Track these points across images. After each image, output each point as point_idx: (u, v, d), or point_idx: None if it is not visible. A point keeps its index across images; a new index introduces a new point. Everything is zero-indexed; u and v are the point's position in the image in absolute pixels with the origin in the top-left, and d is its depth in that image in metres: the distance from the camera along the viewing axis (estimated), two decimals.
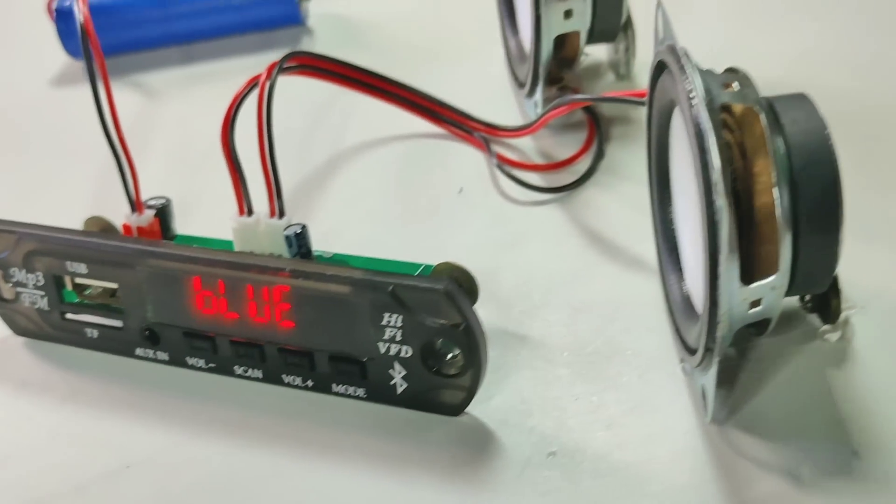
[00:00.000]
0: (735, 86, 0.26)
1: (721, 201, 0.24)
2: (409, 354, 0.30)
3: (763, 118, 0.25)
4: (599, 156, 0.39)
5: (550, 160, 0.40)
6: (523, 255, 0.36)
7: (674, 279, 0.31)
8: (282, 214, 0.35)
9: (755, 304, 0.26)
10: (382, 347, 0.30)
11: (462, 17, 0.50)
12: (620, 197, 0.37)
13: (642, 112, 0.39)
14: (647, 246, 0.35)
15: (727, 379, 0.29)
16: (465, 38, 0.48)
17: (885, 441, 0.27)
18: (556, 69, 0.41)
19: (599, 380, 0.31)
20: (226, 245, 0.36)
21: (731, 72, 0.28)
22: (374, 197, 0.40)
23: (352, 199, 0.40)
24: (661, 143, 0.31)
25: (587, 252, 0.35)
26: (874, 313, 0.31)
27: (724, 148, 0.24)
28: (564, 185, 0.38)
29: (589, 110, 0.41)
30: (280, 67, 0.37)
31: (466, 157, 0.41)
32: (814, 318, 0.30)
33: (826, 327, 0.30)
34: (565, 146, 0.40)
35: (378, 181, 0.41)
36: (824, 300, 0.29)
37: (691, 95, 0.25)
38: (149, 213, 0.36)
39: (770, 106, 0.27)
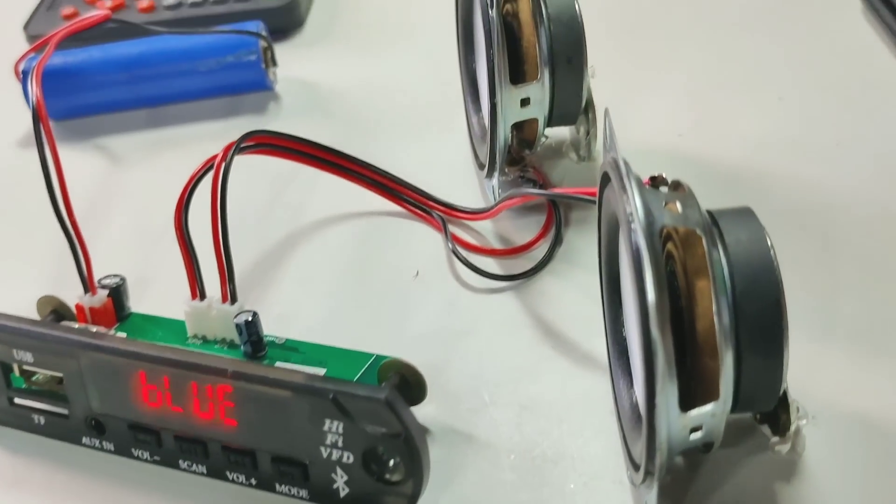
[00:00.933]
0: (677, 206, 0.26)
1: (655, 332, 0.23)
2: (351, 461, 0.29)
3: (704, 242, 0.25)
4: (557, 242, 0.39)
5: (508, 244, 0.39)
6: (475, 346, 0.35)
7: (622, 384, 0.31)
8: (234, 300, 0.35)
9: (696, 429, 0.25)
10: (324, 452, 0.30)
11: (428, 89, 0.50)
12: (576, 286, 0.37)
13: None
14: (599, 342, 0.34)
15: (675, 492, 0.29)
16: (430, 111, 0.48)
17: None
18: (516, 150, 0.40)
19: (545, 486, 0.30)
20: (179, 327, 0.36)
21: (676, 188, 0.27)
22: (330, 277, 0.40)
23: (308, 280, 0.40)
24: (611, 247, 0.31)
25: (539, 346, 0.35)
26: (825, 423, 0.30)
27: (662, 279, 0.24)
28: (520, 273, 0.38)
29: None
30: (237, 148, 0.37)
31: (424, 238, 0.41)
32: (766, 429, 0.30)
33: (776, 439, 0.29)
34: (524, 229, 0.40)
35: (334, 261, 0.40)
36: (774, 413, 0.29)
37: (630, 219, 0.25)
38: (101, 294, 0.36)
39: (714, 222, 0.27)
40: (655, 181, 0.29)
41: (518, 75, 0.37)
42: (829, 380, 0.32)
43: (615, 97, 0.38)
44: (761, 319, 0.26)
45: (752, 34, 0.50)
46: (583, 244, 0.39)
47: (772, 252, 0.26)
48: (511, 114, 0.37)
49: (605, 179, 0.29)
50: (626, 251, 0.25)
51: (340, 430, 0.29)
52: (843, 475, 0.29)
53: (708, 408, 0.25)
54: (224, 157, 0.37)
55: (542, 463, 0.31)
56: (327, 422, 0.29)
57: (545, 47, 0.37)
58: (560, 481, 0.30)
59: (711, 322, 0.25)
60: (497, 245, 0.40)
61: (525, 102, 0.37)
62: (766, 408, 0.28)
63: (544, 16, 0.37)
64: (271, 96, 0.51)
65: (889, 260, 0.36)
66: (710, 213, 0.27)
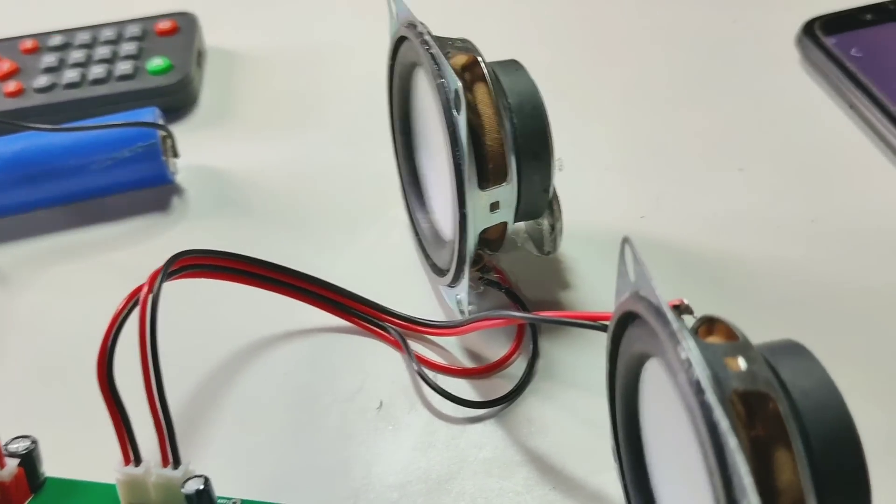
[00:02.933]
0: (741, 363, 0.22)
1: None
2: None
3: (781, 407, 0.22)
4: (535, 355, 0.35)
5: (478, 360, 0.35)
6: (463, 495, 0.31)
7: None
8: (177, 462, 0.30)
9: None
10: None
11: (356, 179, 0.44)
12: (566, 409, 0.33)
13: (573, 296, 0.35)
14: (607, 476, 0.30)
15: None
16: (363, 204, 0.43)
17: None
18: (475, 250, 0.36)
19: None
20: (108, 493, 0.30)
21: (721, 331, 0.24)
22: (279, 417, 0.34)
23: (252, 421, 0.34)
24: (629, 389, 0.27)
25: (539, 486, 0.31)
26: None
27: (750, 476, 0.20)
28: (500, 396, 0.33)
29: (512, 296, 0.36)
30: (164, 275, 0.32)
31: (381, 358, 0.36)
32: None
33: None
34: (492, 340, 0.35)
35: (282, 394, 0.35)
36: None
37: (699, 390, 0.21)
38: (11, 465, 0.30)
39: (773, 369, 0.23)
40: (679, 310, 0.26)
41: (484, 177, 0.32)
42: None
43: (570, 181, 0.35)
44: (847, 490, 0.22)
45: (693, 103, 0.47)
46: (563, 355, 0.35)
47: (844, 403, 0.23)
48: (480, 220, 0.33)
49: (629, 318, 0.25)
50: (699, 431, 0.21)
51: None
52: None
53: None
54: (150, 289, 0.31)
55: None
56: None
57: (511, 144, 0.33)
58: None
59: (797, 497, 0.21)
60: (465, 362, 0.35)
61: (494, 207, 0.33)
62: None
63: (507, 107, 0.33)
64: (173, 190, 0.45)
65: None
66: (763, 356, 0.24)
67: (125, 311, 0.30)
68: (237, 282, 0.35)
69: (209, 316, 0.38)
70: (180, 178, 0.45)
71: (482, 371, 0.35)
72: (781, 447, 0.22)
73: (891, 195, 0.40)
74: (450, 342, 0.36)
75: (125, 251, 0.42)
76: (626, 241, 0.25)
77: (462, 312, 0.34)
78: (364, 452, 0.33)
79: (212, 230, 0.42)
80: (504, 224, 0.34)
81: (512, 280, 0.37)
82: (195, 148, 0.46)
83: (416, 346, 0.36)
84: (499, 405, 0.33)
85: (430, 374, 0.34)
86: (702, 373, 0.21)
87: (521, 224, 0.39)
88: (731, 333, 0.24)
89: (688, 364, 0.21)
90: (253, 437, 0.33)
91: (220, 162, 0.46)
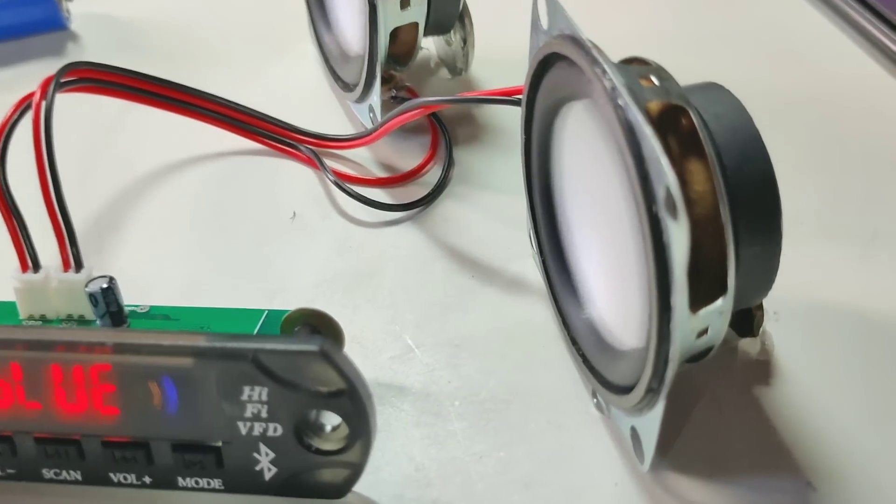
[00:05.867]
0: (654, 80, 0.22)
1: (681, 222, 0.19)
2: (280, 433, 0.24)
3: (693, 115, 0.22)
4: (450, 163, 0.34)
5: (394, 172, 0.35)
6: (383, 287, 0.31)
7: (571, 306, 0.27)
8: (79, 266, 0.28)
9: (702, 332, 0.22)
10: (243, 428, 0.24)
11: (259, 8, 0.43)
12: (482, 208, 0.33)
13: (488, 111, 0.34)
14: (524, 264, 0.30)
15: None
16: (267, 34, 0.42)
17: (836, 466, 0.24)
18: (385, 68, 0.36)
19: (502, 431, 0.26)
20: (7, 310, 0.29)
21: (641, 63, 0.24)
22: (188, 231, 0.33)
23: (160, 237, 0.33)
24: (543, 149, 0.27)
25: (457, 277, 0.31)
26: (785, 319, 0.28)
27: (665, 154, 0.20)
28: (417, 199, 0.33)
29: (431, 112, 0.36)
30: (56, 83, 0.30)
31: (294, 176, 0.35)
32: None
33: (745, 340, 0.27)
34: (407, 154, 0.35)
35: (190, 212, 0.34)
36: (745, 311, 0.26)
37: (615, 95, 0.21)
38: None
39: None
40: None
41: None
42: (783, 271, 0.29)
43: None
44: (757, 199, 0.23)
45: None
46: (478, 163, 0.35)
47: (754, 124, 0.23)
48: (391, 17, 0.32)
49: (545, 66, 0.25)
50: (613, 134, 0.21)
51: (264, 397, 0.23)
52: (818, 367, 0.27)
53: (716, 305, 0.22)
54: (43, 95, 0.30)
55: (493, 405, 0.27)
56: (246, 390, 0.24)
57: None
58: (518, 422, 0.26)
59: (711, 206, 0.22)
60: (381, 174, 0.35)
61: (405, 4, 0.32)
62: (757, 301, 0.25)
63: None
64: (68, 36, 0.43)
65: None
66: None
67: (15, 116, 0.29)
68: (137, 101, 0.34)
69: (110, 136, 0.36)
70: (75, 26, 0.43)
71: (397, 180, 0.34)
72: (696, 158, 0.22)
73: None
74: (365, 158, 0.35)
75: (16, 95, 0.40)
76: None
77: (373, 122, 0.34)
78: (278, 258, 0.32)
79: None
80: (414, 34, 0.33)
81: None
82: None
83: (331, 164, 0.35)
84: (415, 208, 0.33)
85: (346, 185, 0.34)
86: (617, 81, 0.21)
87: (434, 49, 0.39)
88: (653, 65, 0.24)
89: (602, 72, 0.21)
90: (162, 249, 0.32)
91: (118, 8, 0.44)
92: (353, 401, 0.23)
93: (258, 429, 0.24)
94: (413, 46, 0.34)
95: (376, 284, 0.31)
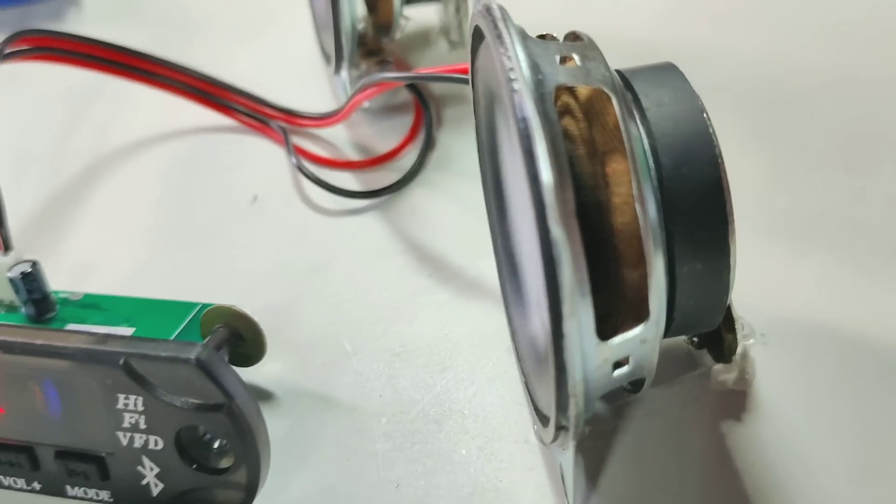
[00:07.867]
0: (576, 59, 0.18)
1: (557, 230, 0.16)
2: (161, 446, 0.22)
3: (616, 102, 0.18)
4: (428, 146, 0.31)
5: (368, 154, 0.32)
6: (332, 282, 0.28)
7: (519, 314, 0.24)
8: (7, 247, 0.27)
9: (620, 363, 0.18)
10: (123, 438, 0.22)
11: None
12: (455, 198, 0.30)
13: None
14: (487, 263, 0.27)
15: (598, 447, 0.22)
16: (265, 3, 0.39)
17: None
18: (373, 39, 0.33)
19: (428, 457, 0.23)
20: None
21: (573, 38, 0.20)
22: (144, 215, 0.31)
23: (114, 220, 0.31)
24: (492, 134, 0.23)
25: (413, 275, 0.28)
26: (775, 343, 0.24)
27: (561, 153, 0.16)
28: (383, 187, 0.30)
29: (414, 89, 0.33)
30: (1, 52, 0.28)
31: (262, 155, 0.32)
32: (704, 356, 0.23)
33: (719, 367, 0.23)
34: (387, 135, 0.32)
35: (149, 193, 0.32)
36: (715, 334, 0.22)
37: (511, 76, 0.17)
38: None
39: (626, 84, 0.20)
40: (545, 38, 0.22)
41: None
42: (775, 287, 0.25)
43: None
44: (698, 207, 0.19)
45: None
46: (461, 147, 0.31)
47: (705, 115, 0.19)
48: None
49: (478, 40, 0.21)
50: (510, 124, 0.18)
51: (140, 406, 0.21)
52: (804, 405, 0.23)
53: (635, 332, 0.18)
54: None
55: (423, 425, 0.24)
56: (121, 398, 0.21)
57: None
58: (447, 448, 0.23)
59: (633, 215, 0.18)
60: (354, 156, 0.32)
61: None
62: (708, 327, 0.21)
63: None
64: (70, 2, 0.41)
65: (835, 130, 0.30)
66: (619, 72, 0.20)
67: None
68: (101, 71, 0.31)
69: (70, 111, 0.35)
70: None
71: (369, 164, 0.31)
72: (617, 159, 0.18)
73: None
74: (340, 139, 0.32)
75: None
76: None
77: (346, 97, 0.31)
78: (229, 246, 0.29)
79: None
80: (390, 1, 0.30)
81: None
82: None
83: (301, 142, 0.32)
84: (381, 196, 0.30)
85: (313, 168, 0.31)
86: (521, 62, 0.17)
87: (436, 18, 0.35)
88: (584, 41, 0.20)
89: (503, 52, 0.18)
90: (110, 236, 0.30)
91: None
92: (231, 418, 0.21)
93: (138, 440, 0.22)
94: (391, 15, 0.31)
95: (325, 279, 0.28)
